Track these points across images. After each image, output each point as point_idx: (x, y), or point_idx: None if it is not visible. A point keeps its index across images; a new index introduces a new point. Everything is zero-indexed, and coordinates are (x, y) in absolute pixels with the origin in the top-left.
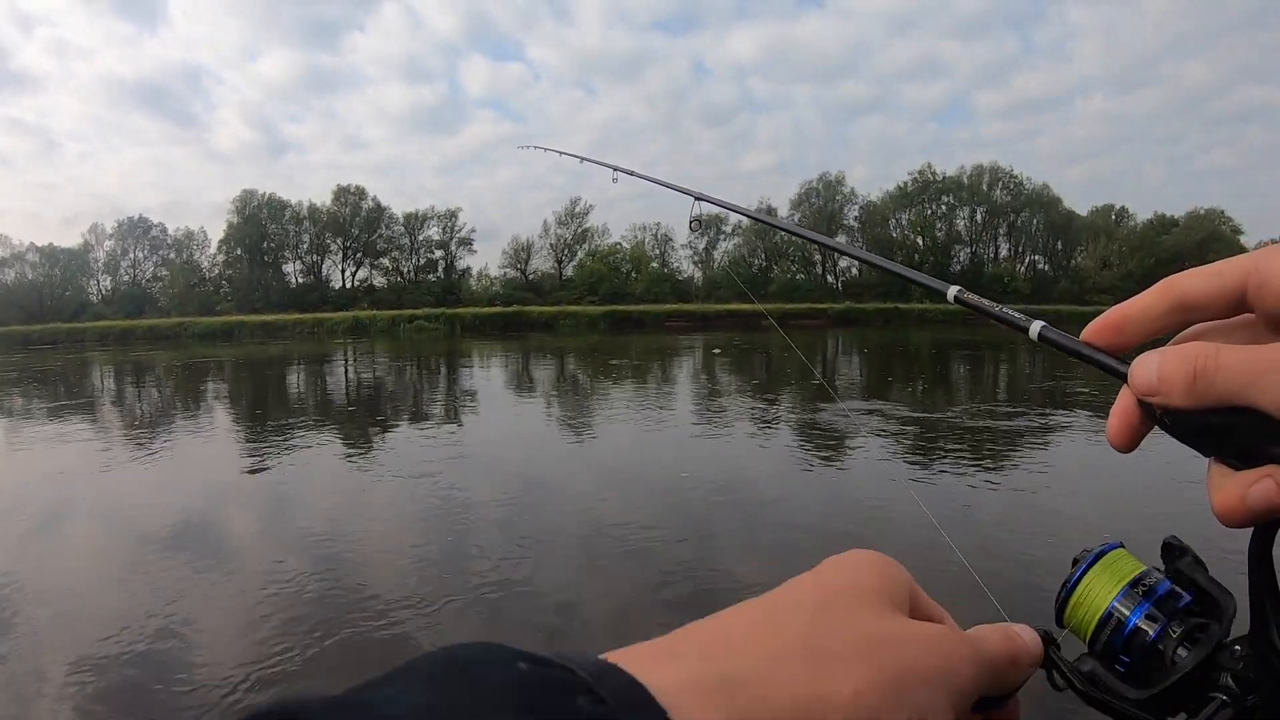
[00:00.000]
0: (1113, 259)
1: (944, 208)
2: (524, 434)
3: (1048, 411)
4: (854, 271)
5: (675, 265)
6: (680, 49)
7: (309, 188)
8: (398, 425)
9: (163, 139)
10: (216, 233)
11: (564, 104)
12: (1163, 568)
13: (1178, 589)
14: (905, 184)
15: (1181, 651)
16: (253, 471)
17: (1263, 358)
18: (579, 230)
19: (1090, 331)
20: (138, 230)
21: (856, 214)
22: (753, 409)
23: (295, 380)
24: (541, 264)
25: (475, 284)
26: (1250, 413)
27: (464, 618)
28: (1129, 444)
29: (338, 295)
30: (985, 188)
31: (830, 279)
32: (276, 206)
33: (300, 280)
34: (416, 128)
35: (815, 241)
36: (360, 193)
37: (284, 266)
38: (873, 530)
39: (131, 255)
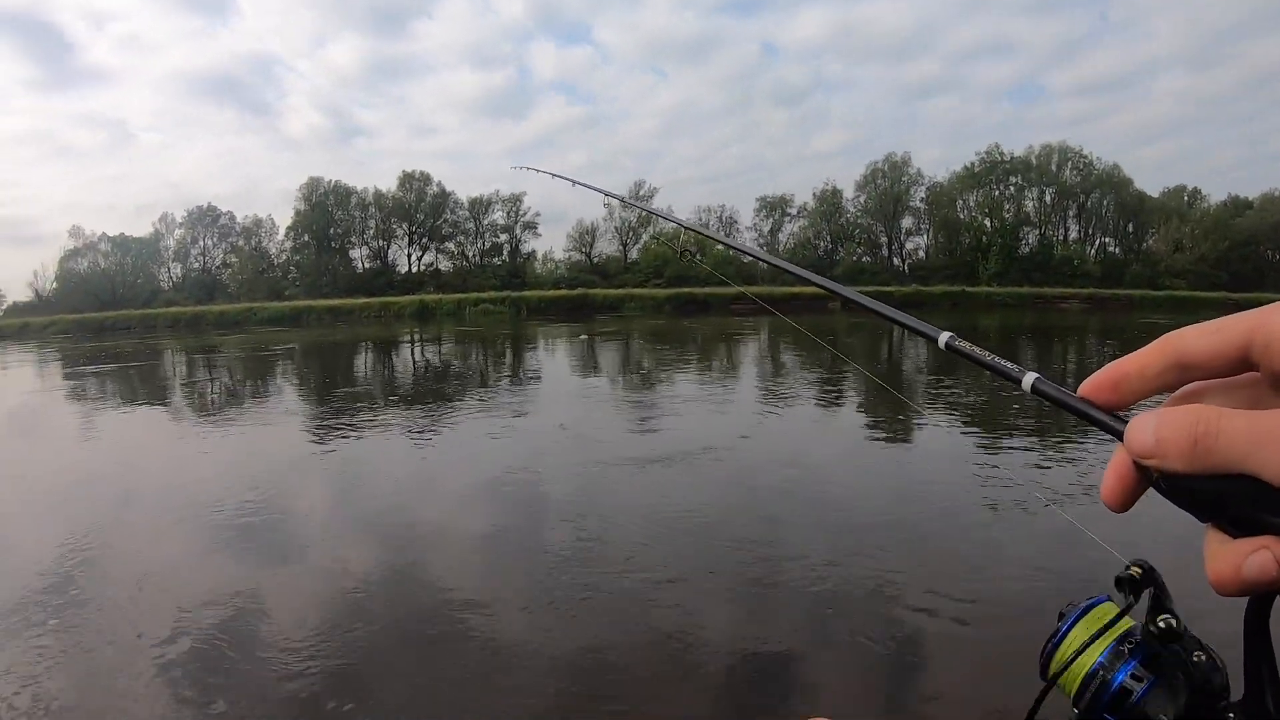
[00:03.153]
0: (1185, 242)
1: (1012, 189)
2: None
3: None
4: (920, 254)
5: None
6: (749, 30)
7: (378, 174)
8: (463, 405)
9: (234, 128)
10: (284, 220)
11: (633, 87)
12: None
13: (1164, 647)
14: (973, 164)
15: (1164, 712)
16: (322, 450)
17: (1265, 426)
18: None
19: (1087, 387)
20: (207, 218)
21: (923, 195)
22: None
23: (363, 362)
24: (606, 247)
25: (540, 267)
26: (1249, 481)
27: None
28: (1122, 504)
29: (404, 280)
30: (1054, 168)
31: (896, 261)
32: (343, 193)
33: (367, 265)
34: (484, 113)
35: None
36: (425, 178)
37: (350, 252)
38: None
39: (201, 243)
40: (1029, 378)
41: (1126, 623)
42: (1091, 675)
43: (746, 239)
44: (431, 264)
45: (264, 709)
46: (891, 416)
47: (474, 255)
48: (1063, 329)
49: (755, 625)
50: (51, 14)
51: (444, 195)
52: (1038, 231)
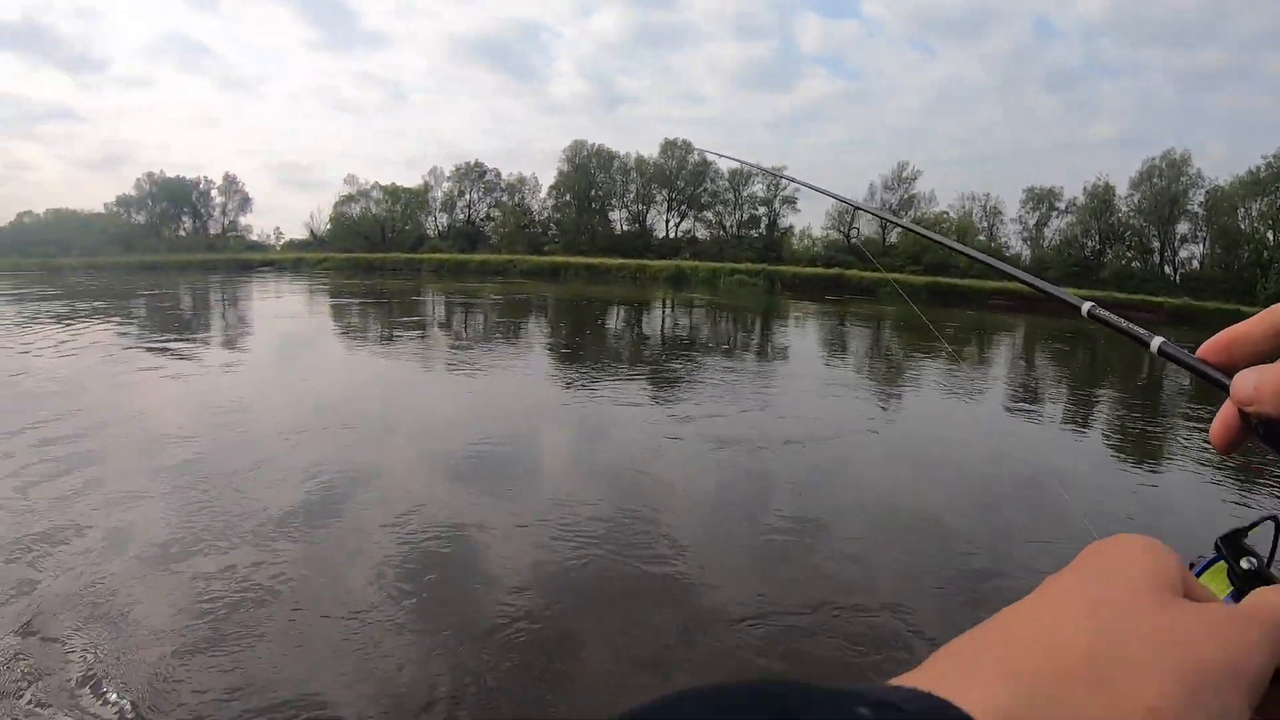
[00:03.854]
0: None
1: None
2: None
3: None
4: (1195, 264)
5: (1003, 240)
6: (1024, 5)
7: (640, 140)
8: (707, 376)
9: (500, 90)
10: (547, 179)
11: (898, 63)
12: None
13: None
14: (1258, 169)
15: None
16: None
17: None
18: (905, 195)
19: (1204, 349)
20: (474, 173)
21: (1202, 199)
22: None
23: (615, 319)
24: (865, 228)
25: (797, 243)
26: None
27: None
28: (1227, 447)
29: (660, 244)
30: None
31: (1168, 270)
32: (605, 157)
33: (625, 228)
34: (747, 84)
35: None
36: (687, 146)
37: (610, 214)
38: None
39: (467, 196)
40: (1156, 341)
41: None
42: None
43: (1010, 231)
44: (689, 231)
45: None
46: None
47: (731, 226)
48: None
49: None
50: None
51: (705, 164)
52: None
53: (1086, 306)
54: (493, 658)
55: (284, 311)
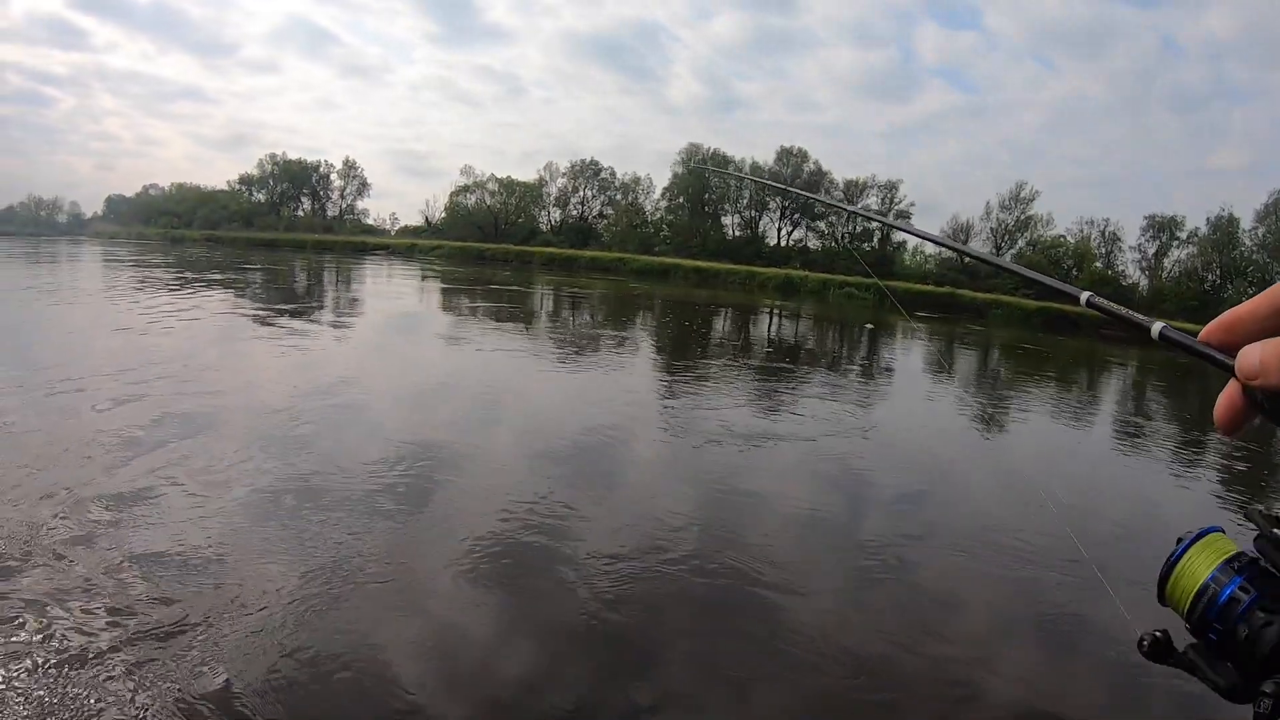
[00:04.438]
0: None
1: None
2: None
3: None
4: None
5: (1121, 268)
6: (1148, 20)
7: (754, 145)
8: (808, 388)
9: (616, 89)
10: (660, 180)
11: (1019, 77)
12: (1255, 551)
13: (1270, 566)
14: None
15: (1264, 617)
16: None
17: None
18: (1021, 216)
19: (1206, 332)
20: (588, 171)
21: None
22: None
23: (722, 325)
24: (979, 247)
25: (909, 259)
26: None
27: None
28: (1233, 427)
29: (771, 252)
30: None
31: None
32: (720, 161)
33: (737, 233)
34: (864, 93)
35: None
36: (802, 155)
37: (723, 219)
38: None
39: (581, 192)
40: (1157, 326)
41: (1232, 545)
42: (1203, 590)
43: (1128, 259)
44: (800, 240)
45: None
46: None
47: (844, 237)
48: None
49: None
50: None
51: (820, 173)
52: None
53: (1085, 296)
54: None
55: (393, 293)
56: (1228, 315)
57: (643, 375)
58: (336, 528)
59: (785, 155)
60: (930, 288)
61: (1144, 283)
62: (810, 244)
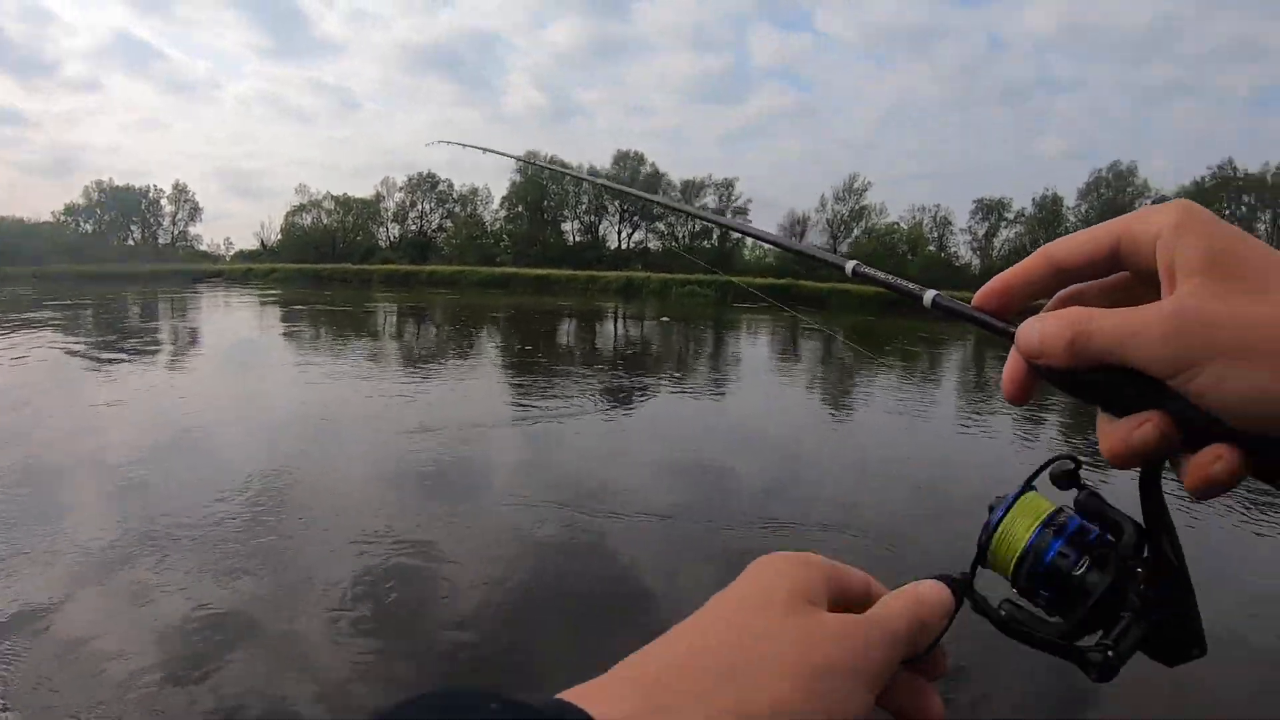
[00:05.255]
0: None
1: (1243, 209)
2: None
3: None
4: None
5: (953, 250)
6: (975, 20)
7: (591, 151)
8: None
9: (453, 100)
10: (499, 190)
11: (852, 76)
12: (1072, 506)
13: (1086, 523)
14: (1203, 179)
15: (1093, 578)
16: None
17: (1131, 320)
18: (856, 207)
19: (979, 297)
20: (426, 185)
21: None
22: None
23: (565, 330)
24: (816, 239)
25: (748, 254)
26: (1124, 370)
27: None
28: (1020, 397)
29: (612, 255)
30: None
31: None
32: (557, 166)
33: (577, 239)
34: (700, 96)
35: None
36: (639, 158)
37: (562, 225)
38: None
39: (420, 207)
40: (929, 294)
41: (1048, 504)
42: (1026, 553)
43: (960, 240)
44: (641, 242)
45: None
46: None
47: (683, 236)
48: None
49: None
50: None
51: (657, 176)
52: None
53: (850, 265)
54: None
55: (228, 323)
56: (999, 280)
57: (478, 393)
58: (182, 591)
59: (623, 159)
60: (771, 280)
61: (976, 262)
62: (651, 245)
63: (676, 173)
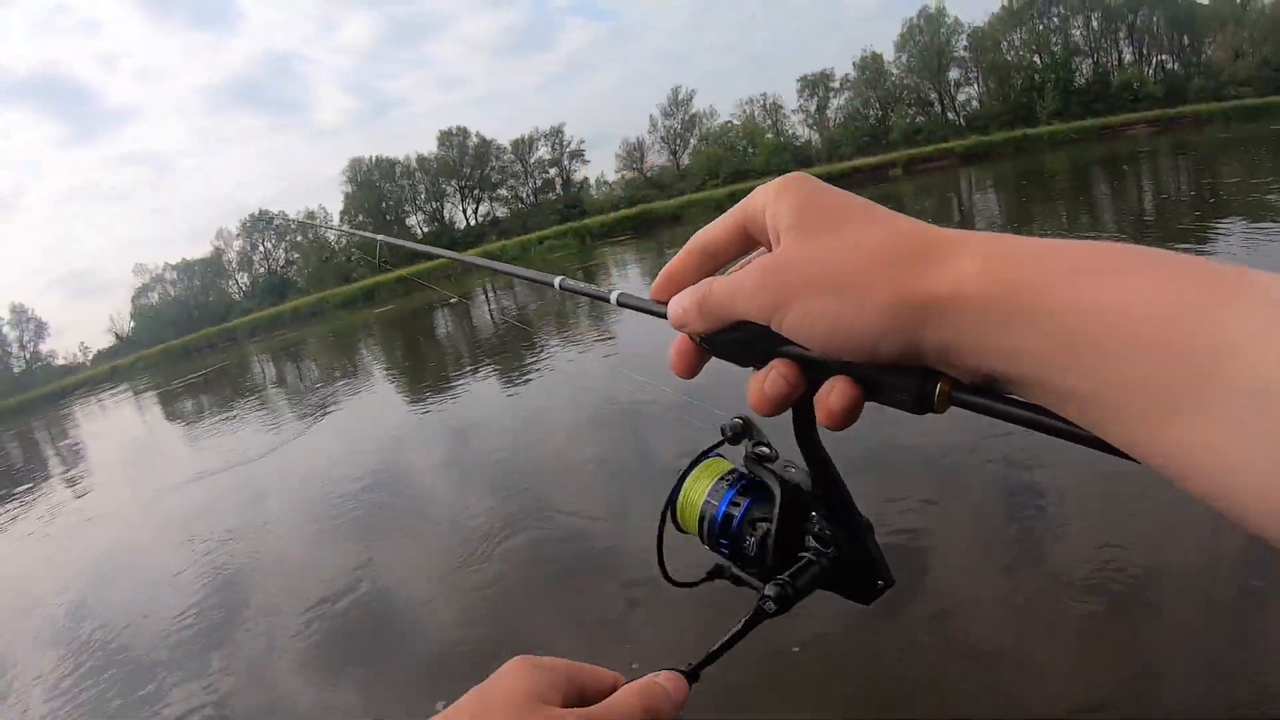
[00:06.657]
0: (1245, 47)
1: (1056, 20)
2: None
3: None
4: (975, 104)
5: (790, 132)
6: None
7: (418, 139)
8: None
9: (267, 129)
10: (336, 205)
11: None
12: (743, 466)
13: (754, 474)
14: (1010, 1)
15: (762, 524)
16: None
17: (738, 280)
18: (687, 117)
19: (654, 290)
20: (260, 223)
21: (965, 44)
22: None
23: (442, 324)
24: (657, 159)
25: (596, 193)
26: (745, 325)
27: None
28: (687, 372)
29: (465, 234)
30: None
31: (951, 115)
32: (386, 166)
33: (426, 229)
34: (509, 51)
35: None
36: (464, 132)
37: (407, 220)
38: None
39: (261, 248)
40: (615, 294)
41: (727, 465)
42: (704, 512)
43: (795, 121)
44: (489, 214)
45: None
46: None
47: (528, 196)
48: (1133, 155)
49: None
50: (64, 68)
51: (485, 144)
52: (1091, 60)
53: (558, 280)
54: None
55: (107, 429)
56: (664, 272)
57: (384, 418)
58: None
59: (447, 138)
60: (625, 212)
61: (815, 138)
62: (499, 213)
63: (505, 134)
